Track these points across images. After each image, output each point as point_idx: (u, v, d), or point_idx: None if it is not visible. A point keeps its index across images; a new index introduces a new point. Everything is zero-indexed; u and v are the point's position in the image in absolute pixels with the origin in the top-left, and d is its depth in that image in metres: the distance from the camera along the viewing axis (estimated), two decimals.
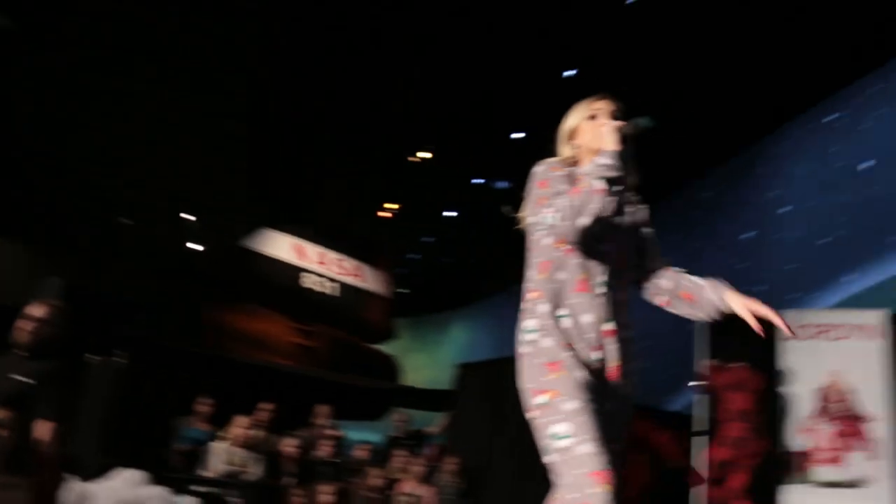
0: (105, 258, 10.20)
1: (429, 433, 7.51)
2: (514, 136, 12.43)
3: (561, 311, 1.85)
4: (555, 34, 9.19)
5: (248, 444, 5.57)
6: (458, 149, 12.70)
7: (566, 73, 10.36)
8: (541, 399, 1.77)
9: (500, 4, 9.10)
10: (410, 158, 13.22)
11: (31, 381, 2.97)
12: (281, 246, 10.28)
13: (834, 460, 4.65)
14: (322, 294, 10.47)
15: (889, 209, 8.40)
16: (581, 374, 1.77)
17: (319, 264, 10.61)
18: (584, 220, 1.77)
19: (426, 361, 16.54)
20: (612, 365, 1.84)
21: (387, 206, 14.21)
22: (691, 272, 2.01)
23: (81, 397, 3.64)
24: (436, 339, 17.57)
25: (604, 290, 1.86)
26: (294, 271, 10.24)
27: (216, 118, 10.87)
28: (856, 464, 4.62)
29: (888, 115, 8.68)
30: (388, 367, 11.16)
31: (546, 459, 1.72)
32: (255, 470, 5.46)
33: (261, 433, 5.78)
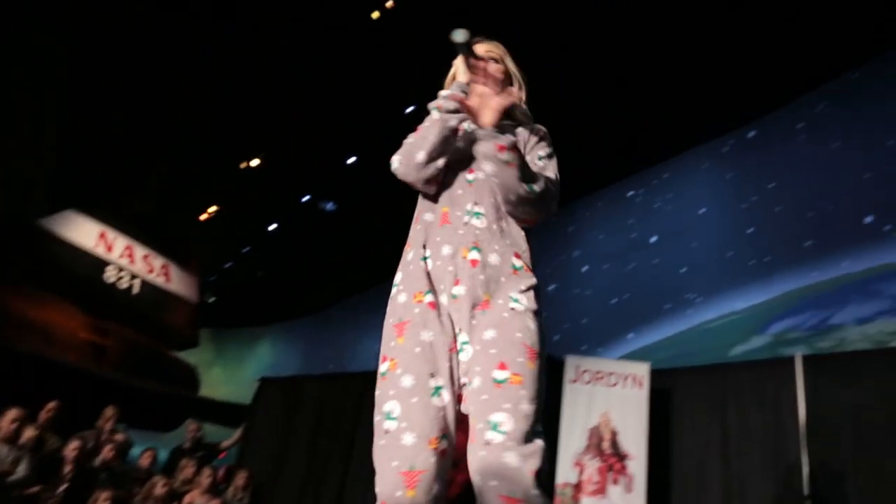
0: None
1: (221, 446, 7.29)
2: (348, 161, 12.59)
3: (425, 252, 1.74)
4: (400, 72, 9.53)
5: (15, 441, 5.09)
6: (291, 162, 12.58)
7: (408, 110, 10.79)
8: (382, 367, 1.63)
9: (355, 36, 9.31)
10: (241, 164, 12.87)
11: None
12: (85, 231, 9.47)
13: (598, 492, 5.24)
14: (123, 290, 9.76)
15: (666, 280, 9.62)
16: (428, 336, 1.61)
17: (125, 258, 9.91)
18: (420, 156, 1.72)
19: (226, 376, 15.88)
20: (481, 296, 1.65)
21: (208, 208, 13.66)
22: None
23: None
24: (238, 354, 16.97)
25: (468, 219, 1.73)
26: (95, 261, 9.47)
27: (28, 78, 9.89)
28: (616, 496, 5.24)
29: (673, 199, 10.03)
30: (187, 376, 10.60)
31: (374, 440, 1.58)
32: (21, 469, 4.99)
33: (34, 431, 5.30)
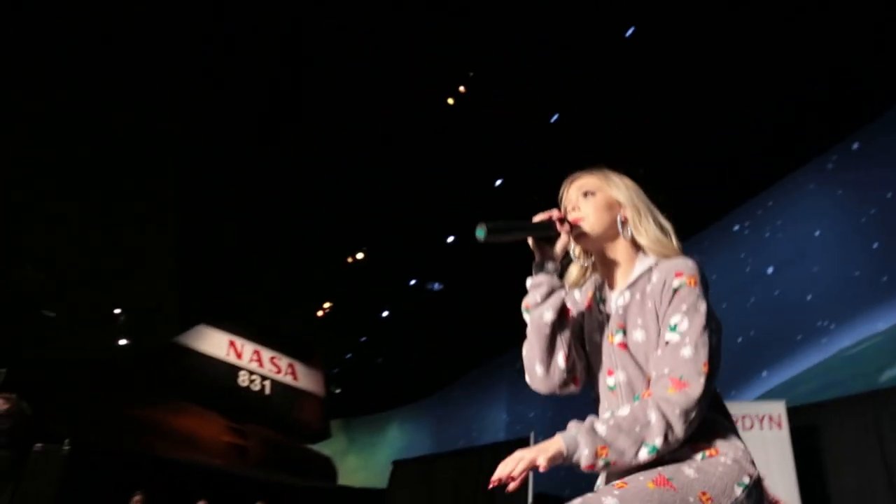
0: (28, 351, 9.89)
1: None
2: (449, 239, 12.92)
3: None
4: (486, 146, 9.83)
5: None
6: (394, 250, 13.05)
7: (497, 182, 11.06)
8: None
9: (438, 114, 9.73)
10: (348, 259, 13.48)
11: None
12: (216, 342, 10.20)
13: None
14: (256, 392, 10.35)
15: (792, 311, 9.11)
16: None
17: (253, 362, 10.54)
18: (538, 369, 1.51)
19: (360, 463, 16.17)
20: None
21: (322, 305, 14.31)
22: None
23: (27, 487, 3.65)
24: (370, 440, 17.27)
25: None
26: (228, 369, 10.14)
27: (151, 213, 10.97)
28: None
29: (783, 226, 9.61)
30: (323, 467, 10.94)
31: None
32: None
33: None
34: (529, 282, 1.53)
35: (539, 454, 1.30)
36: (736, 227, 10.30)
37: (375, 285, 13.94)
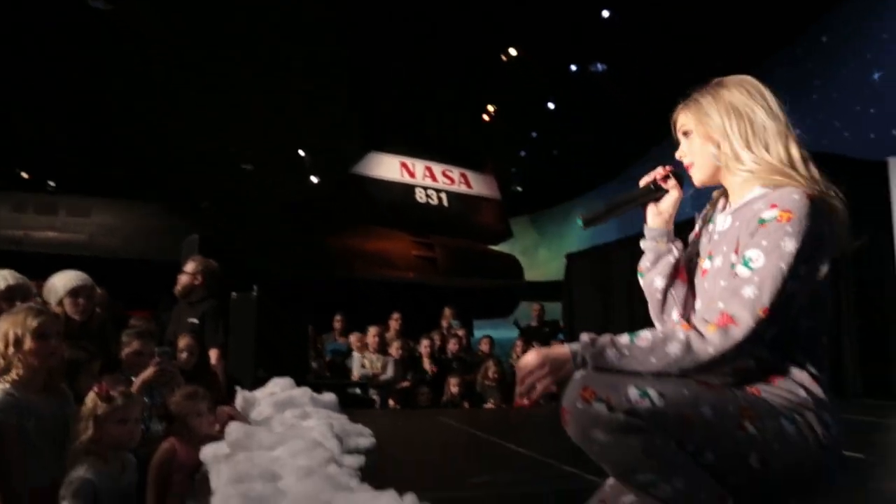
0: (233, 203, 11.27)
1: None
2: (603, 15, 11.95)
3: None
4: None
5: (381, 350, 6.26)
6: (548, 38, 12.45)
7: None
8: None
9: None
10: (502, 57, 13.09)
11: (196, 320, 3.92)
12: (388, 166, 10.83)
13: None
14: (434, 206, 10.99)
15: None
16: None
17: (427, 178, 11.10)
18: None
19: (551, 255, 16.84)
20: None
21: (487, 109, 14.31)
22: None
23: (234, 326, 4.45)
24: (558, 231, 17.81)
25: None
26: (404, 189, 10.80)
27: (319, 60, 11.42)
28: None
29: None
30: (509, 266, 11.60)
31: None
32: (389, 372, 6.14)
33: (392, 339, 6.47)
34: (642, 243, 1.49)
35: (552, 374, 1.26)
36: None
37: (536, 78, 13.54)
